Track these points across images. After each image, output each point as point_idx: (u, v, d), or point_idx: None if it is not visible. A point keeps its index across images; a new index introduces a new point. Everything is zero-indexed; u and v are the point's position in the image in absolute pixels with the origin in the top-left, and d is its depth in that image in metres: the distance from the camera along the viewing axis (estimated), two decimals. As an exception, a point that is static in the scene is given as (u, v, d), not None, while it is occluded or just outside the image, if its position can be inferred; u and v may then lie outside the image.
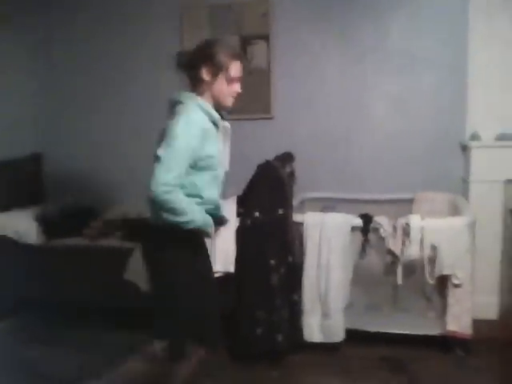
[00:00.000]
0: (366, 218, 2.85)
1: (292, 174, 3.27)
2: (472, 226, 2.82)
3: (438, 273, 2.75)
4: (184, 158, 1.89)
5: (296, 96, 3.70)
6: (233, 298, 2.91)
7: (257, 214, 2.85)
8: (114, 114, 4.02)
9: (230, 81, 2.02)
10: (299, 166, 3.45)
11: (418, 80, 3.48)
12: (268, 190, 2.86)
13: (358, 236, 2.89)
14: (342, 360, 2.88)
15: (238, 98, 2.11)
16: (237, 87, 2.06)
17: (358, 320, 2.98)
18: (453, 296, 2.77)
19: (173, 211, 1.88)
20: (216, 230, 2.12)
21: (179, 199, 1.88)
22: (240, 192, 3.08)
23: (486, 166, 3.21)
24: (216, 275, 2.88)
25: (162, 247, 2.00)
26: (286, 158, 3.25)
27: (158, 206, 1.87)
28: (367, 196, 3.52)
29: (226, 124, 2.13)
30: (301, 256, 2.93)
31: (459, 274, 2.73)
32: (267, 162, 2.91)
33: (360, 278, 2.96)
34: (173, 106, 2.01)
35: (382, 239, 2.81)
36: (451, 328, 2.79)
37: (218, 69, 1.99)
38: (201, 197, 1.99)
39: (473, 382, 2.60)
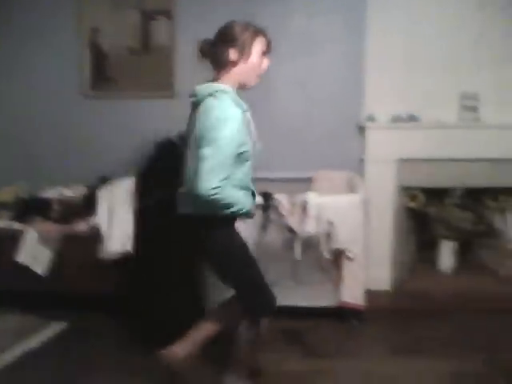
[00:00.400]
0: (266, 196, 2.89)
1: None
2: (365, 202, 2.95)
3: (333, 247, 2.86)
4: (230, 157, 1.90)
5: (200, 75, 3.62)
6: (132, 279, 2.86)
7: (157, 192, 2.79)
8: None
9: (257, 58, 2.01)
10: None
11: (318, 62, 3.54)
12: (168, 167, 2.80)
13: (259, 214, 2.93)
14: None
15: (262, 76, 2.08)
16: (265, 64, 2.05)
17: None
18: (347, 269, 2.90)
19: (224, 206, 1.93)
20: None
21: (227, 195, 1.91)
22: (140, 171, 3.01)
23: (380, 146, 3.37)
24: (114, 255, 2.84)
25: (211, 237, 2.03)
26: (189, 136, 3.21)
27: (207, 204, 1.91)
28: (268, 175, 3.55)
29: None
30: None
31: (353, 249, 2.86)
32: (167, 139, 2.86)
33: (261, 255, 2.99)
34: (200, 100, 2.00)
35: (282, 216, 2.87)
36: (346, 299, 2.92)
37: (243, 48, 1.98)
38: (243, 187, 2.01)
39: (365, 349, 2.74)
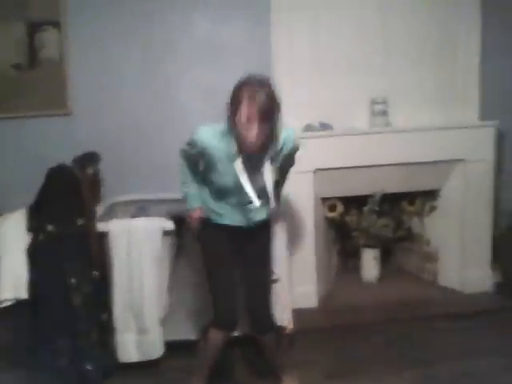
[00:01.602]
0: (179, 220, 2.63)
1: (96, 177, 2.92)
2: (284, 217, 2.77)
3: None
4: (183, 165, 2.30)
5: (97, 89, 3.30)
6: (29, 328, 2.48)
7: (50, 227, 2.44)
8: None
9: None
10: (107, 167, 3.13)
11: (224, 72, 3.32)
12: (62, 197, 2.48)
13: (172, 240, 2.67)
14: (161, 377, 2.64)
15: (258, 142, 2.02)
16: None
17: (180, 329, 2.76)
18: (273, 292, 2.69)
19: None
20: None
21: (185, 194, 2.32)
22: (31, 201, 2.64)
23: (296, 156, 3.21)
24: (6, 303, 2.46)
25: None
26: (89, 158, 2.89)
27: None
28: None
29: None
30: (109, 269, 2.61)
31: (276, 270, 2.66)
32: (59, 165, 2.52)
33: (178, 284, 2.74)
34: None
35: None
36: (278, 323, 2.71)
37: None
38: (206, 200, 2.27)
39: (298, 376, 2.54)
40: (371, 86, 3.34)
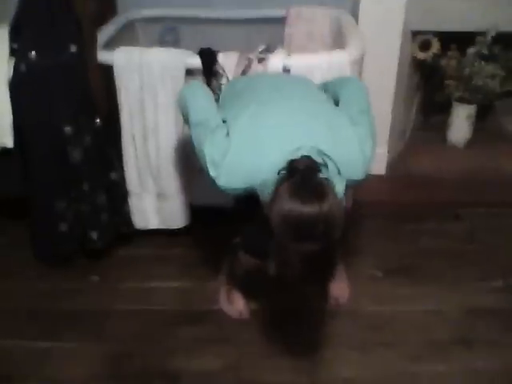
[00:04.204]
0: (208, 56, 1.87)
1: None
2: (359, 61, 1.96)
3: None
4: None
5: None
6: (20, 184, 1.98)
7: (32, 54, 1.76)
8: None
9: None
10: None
11: None
12: (45, 13, 1.75)
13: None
14: (184, 249, 2.17)
15: None
16: None
17: (210, 195, 2.20)
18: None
19: None
20: None
21: None
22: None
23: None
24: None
25: None
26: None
27: None
28: (222, 14, 2.49)
29: None
30: (116, 116, 1.97)
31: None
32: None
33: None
34: None
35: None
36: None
37: None
38: None
39: (350, 270, 2.01)
40: None
